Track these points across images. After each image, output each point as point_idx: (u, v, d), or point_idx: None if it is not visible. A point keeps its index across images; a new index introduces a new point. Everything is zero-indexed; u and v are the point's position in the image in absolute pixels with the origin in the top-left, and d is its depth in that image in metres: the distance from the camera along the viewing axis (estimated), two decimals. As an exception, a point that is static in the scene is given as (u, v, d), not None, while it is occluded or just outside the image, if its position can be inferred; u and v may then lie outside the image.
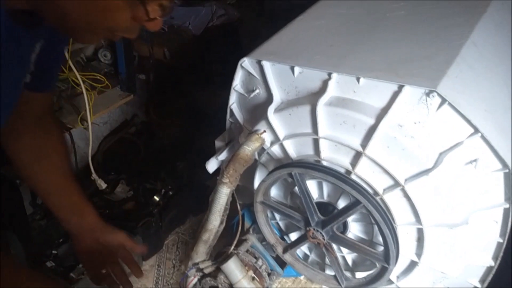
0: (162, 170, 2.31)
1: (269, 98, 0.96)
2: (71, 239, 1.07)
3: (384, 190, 0.88)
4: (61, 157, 0.99)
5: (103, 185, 1.69)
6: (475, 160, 0.80)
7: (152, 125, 2.61)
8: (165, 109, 2.55)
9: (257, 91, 0.98)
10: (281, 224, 1.14)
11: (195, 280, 1.01)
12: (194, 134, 2.42)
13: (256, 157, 1.04)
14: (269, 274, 1.06)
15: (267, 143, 0.99)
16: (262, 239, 1.10)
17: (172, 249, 2.21)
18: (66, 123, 1.63)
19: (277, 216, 1.12)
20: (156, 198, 2.16)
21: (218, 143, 1.17)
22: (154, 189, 2.18)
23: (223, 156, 1.09)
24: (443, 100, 0.78)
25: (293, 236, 1.11)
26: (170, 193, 2.23)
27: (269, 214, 1.10)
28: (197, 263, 1.01)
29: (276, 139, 0.97)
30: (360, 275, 1.01)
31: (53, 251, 1.34)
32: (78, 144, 2.10)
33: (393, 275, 0.96)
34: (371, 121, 0.82)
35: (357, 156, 0.87)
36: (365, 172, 0.88)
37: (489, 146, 0.79)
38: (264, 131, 0.97)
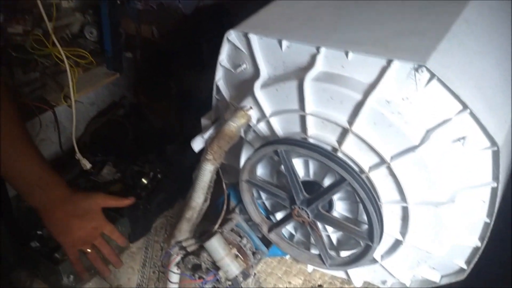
0: (150, 153, 2.29)
1: (256, 74, 0.93)
2: (38, 216, 0.92)
3: (370, 168, 0.86)
4: (11, 118, 0.83)
5: (87, 165, 1.66)
6: (463, 138, 0.79)
7: (141, 107, 2.57)
8: (155, 91, 2.51)
9: (244, 66, 0.96)
10: (267, 203, 1.12)
11: (178, 258, 1.00)
12: (184, 117, 2.40)
13: (242, 135, 1.02)
14: (253, 253, 1.04)
15: (253, 120, 0.97)
16: (248, 219, 1.09)
17: (160, 232, 2.19)
18: (49, 100, 1.60)
19: (263, 195, 1.11)
20: (144, 181, 2.14)
21: (204, 121, 1.15)
22: (142, 172, 2.16)
23: (209, 134, 1.07)
24: (432, 76, 0.76)
25: (279, 215, 1.10)
26: (159, 176, 2.21)
27: (255, 194, 1.08)
28: (180, 242, 1.00)
29: (262, 116, 0.95)
30: (344, 254, 1.01)
31: (37, 232, 1.31)
32: (64, 125, 2.06)
33: (377, 254, 0.96)
34: (359, 97, 0.80)
35: (344, 133, 0.86)
36: (351, 150, 0.86)
37: (478, 123, 0.78)
38: (251, 108, 0.95)
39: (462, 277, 0.95)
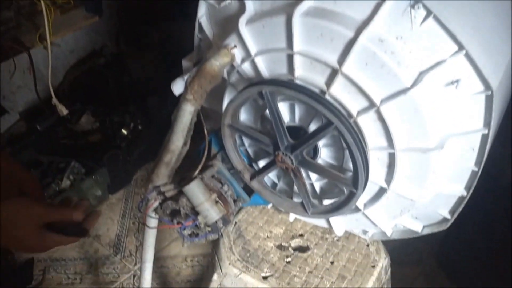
0: (131, 104, 2.22)
1: (241, 8, 0.87)
2: None
3: (358, 112, 0.83)
4: None
5: (64, 110, 1.59)
6: (456, 81, 0.75)
7: (122, 57, 2.48)
8: (136, 39, 2.42)
9: (229, 0, 0.89)
10: (249, 150, 1.08)
11: (156, 203, 0.96)
12: (167, 68, 2.32)
13: (225, 76, 0.97)
14: (235, 201, 1.01)
15: (237, 60, 0.91)
16: (230, 167, 1.05)
17: (141, 184, 2.17)
18: (24, 41, 1.50)
19: (246, 142, 1.07)
20: (124, 131, 2.08)
21: (185, 63, 1.09)
22: (122, 123, 2.10)
23: (190, 74, 1.01)
24: (429, 13, 0.71)
25: (262, 163, 1.06)
26: (139, 127, 2.16)
27: (238, 140, 1.04)
28: (158, 187, 0.96)
29: (247, 55, 0.90)
30: (327, 203, 0.98)
31: None
32: (42, 72, 1.98)
33: (360, 203, 0.94)
34: (351, 34, 0.75)
35: (333, 74, 0.81)
36: (340, 92, 0.82)
37: (473, 65, 0.74)
38: (235, 46, 0.89)
39: (444, 227, 0.94)
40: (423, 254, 1.71)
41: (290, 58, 0.85)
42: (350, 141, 0.80)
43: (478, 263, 1.54)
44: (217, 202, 0.94)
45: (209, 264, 1.13)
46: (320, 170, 0.89)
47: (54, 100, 1.47)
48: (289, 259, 1.04)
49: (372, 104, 0.80)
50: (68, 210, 0.77)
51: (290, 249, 1.07)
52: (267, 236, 1.10)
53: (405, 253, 1.57)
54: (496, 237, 1.50)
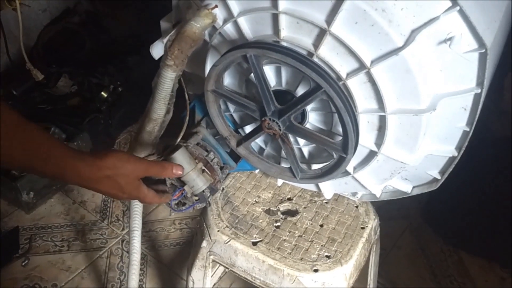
0: (110, 64, 2.14)
1: (222, -36, 0.81)
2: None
3: (348, 74, 0.79)
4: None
5: (39, 75, 1.52)
6: (450, 39, 0.72)
7: (98, 14, 2.36)
8: (112, -4, 2.30)
9: (207, -45, 0.83)
10: (235, 116, 1.05)
11: (140, 173, 0.93)
12: (148, 25, 2.21)
13: (207, 38, 0.92)
14: (221, 168, 0.99)
15: (219, 21, 0.86)
16: (215, 133, 1.02)
17: (125, 148, 2.12)
18: (-10, 3, 1.41)
19: (231, 107, 1.03)
20: (104, 94, 2.01)
21: (163, 25, 1.02)
22: (101, 85, 2.03)
23: (169, 37, 0.96)
24: (422, -33, 0.67)
25: (248, 129, 1.03)
26: (120, 89, 2.09)
27: (222, 106, 1.00)
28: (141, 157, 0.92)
29: (229, 16, 0.84)
30: (316, 167, 0.97)
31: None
32: (15, 34, 1.88)
33: (349, 166, 0.92)
34: (339, -9, 0.71)
35: (321, 34, 0.77)
36: (328, 54, 0.78)
37: (467, 22, 0.70)
38: (216, 6, 0.84)
39: (434, 187, 0.93)
40: (410, 209, 1.74)
41: (275, 18, 0.80)
42: (340, 105, 0.76)
43: (463, 217, 1.57)
44: (203, 171, 0.91)
45: (197, 230, 1.12)
46: (309, 136, 0.87)
47: (28, 65, 1.40)
48: (278, 223, 1.03)
49: (362, 66, 0.76)
50: (169, 165, 0.81)
51: (279, 213, 1.06)
52: (255, 201, 1.08)
53: (392, 208, 1.59)
54: (481, 191, 1.52)
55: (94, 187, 0.73)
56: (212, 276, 1.15)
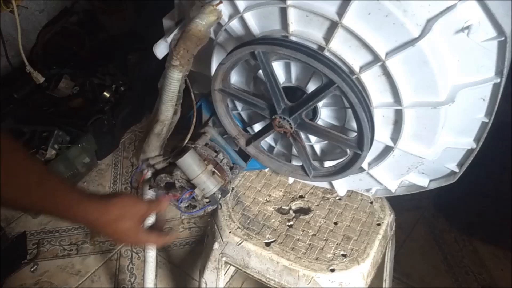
0: (111, 64, 2.11)
1: (226, -42, 0.77)
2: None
3: (361, 67, 0.76)
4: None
5: (40, 78, 1.49)
6: (467, 27, 0.68)
7: (96, 13, 2.33)
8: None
9: (210, -51, 0.79)
10: (243, 114, 1.02)
11: (149, 174, 0.91)
12: (147, 23, 2.18)
13: (212, 35, 0.89)
14: (231, 168, 0.96)
15: (225, 17, 0.83)
16: (223, 133, 0.99)
17: (129, 148, 2.10)
18: (-13, 6, 1.38)
19: (239, 106, 1.00)
20: (106, 94, 1.99)
21: (166, 23, 0.99)
22: (103, 85, 2.00)
23: (173, 36, 0.92)
24: (437, -47, 0.63)
25: (257, 127, 1.00)
26: (122, 88, 2.06)
27: (230, 104, 0.97)
28: (147, 159, 0.90)
29: (235, 12, 0.81)
30: (329, 164, 0.94)
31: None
32: (13, 36, 1.85)
33: (364, 163, 0.89)
34: (350, -19, 0.67)
35: (332, 27, 0.73)
36: (340, 48, 0.75)
37: (485, 9, 0.67)
38: (220, 2, 0.80)
39: (452, 180, 0.91)
40: (422, 199, 1.71)
41: (283, 12, 0.76)
42: (354, 100, 0.73)
43: (475, 206, 1.54)
44: (213, 172, 0.88)
45: (208, 232, 1.09)
46: (322, 133, 0.84)
47: (29, 68, 1.37)
48: (291, 222, 1.00)
49: (376, 58, 0.73)
50: (157, 203, 0.84)
51: (291, 212, 1.03)
52: (267, 200, 1.06)
53: (403, 199, 1.56)
54: (493, 180, 1.49)
55: (101, 229, 0.74)
56: (224, 274, 1.13)
